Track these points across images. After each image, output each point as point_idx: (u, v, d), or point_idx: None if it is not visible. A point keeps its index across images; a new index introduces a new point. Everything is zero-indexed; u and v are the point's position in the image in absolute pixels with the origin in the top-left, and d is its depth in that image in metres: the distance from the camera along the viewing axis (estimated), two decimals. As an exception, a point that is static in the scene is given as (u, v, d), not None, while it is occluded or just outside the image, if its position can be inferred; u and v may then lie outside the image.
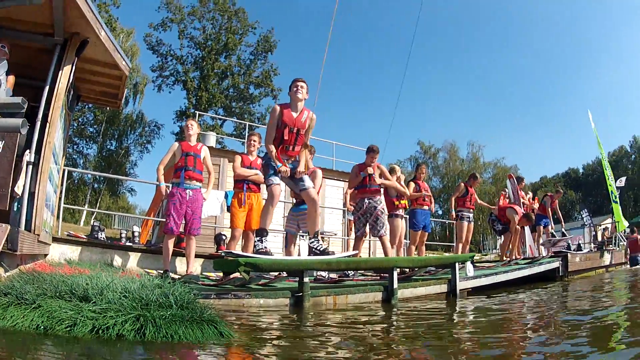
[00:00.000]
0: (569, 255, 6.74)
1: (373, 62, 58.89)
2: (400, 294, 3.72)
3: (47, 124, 3.29)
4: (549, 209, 8.28)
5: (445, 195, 31.89)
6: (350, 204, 4.94)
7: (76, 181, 23.70)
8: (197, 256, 4.60)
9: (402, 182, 5.51)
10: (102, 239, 5.09)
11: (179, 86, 25.76)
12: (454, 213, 6.48)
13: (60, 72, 3.43)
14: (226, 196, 4.91)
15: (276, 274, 3.99)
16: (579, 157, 67.92)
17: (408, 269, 4.41)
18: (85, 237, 4.86)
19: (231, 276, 3.78)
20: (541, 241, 7.93)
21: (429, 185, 6.30)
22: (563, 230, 9.32)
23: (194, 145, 4.25)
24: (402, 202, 5.33)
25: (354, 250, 4.65)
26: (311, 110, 3.58)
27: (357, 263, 3.88)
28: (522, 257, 7.13)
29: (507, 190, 7.95)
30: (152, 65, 25.84)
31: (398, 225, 5.28)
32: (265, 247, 3.38)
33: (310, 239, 3.61)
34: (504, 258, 7.10)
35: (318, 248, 3.54)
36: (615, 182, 13.36)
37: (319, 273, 4.02)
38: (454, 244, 7.03)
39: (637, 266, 9.46)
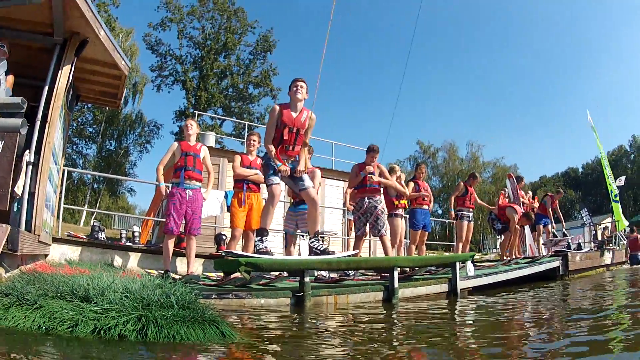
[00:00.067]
0: (569, 254, 6.75)
1: (373, 62, 58.95)
2: (401, 293, 3.72)
3: (47, 124, 3.29)
4: (549, 209, 8.29)
5: (444, 194, 31.90)
6: (350, 204, 4.94)
7: (76, 181, 23.67)
8: (197, 256, 4.60)
9: (402, 182, 5.52)
10: (102, 239, 5.08)
11: (178, 86, 25.81)
12: (453, 212, 6.49)
13: (59, 71, 3.44)
14: (226, 196, 4.91)
15: (277, 273, 3.99)
16: (578, 156, 67.95)
17: (408, 269, 4.42)
18: (85, 237, 4.86)
19: (232, 276, 3.77)
20: (542, 240, 7.94)
21: (428, 184, 6.30)
22: (564, 230, 9.34)
23: (193, 145, 4.24)
24: (402, 201, 5.34)
25: (354, 249, 4.65)
26: (310, 110, 3.58)
27: (358, 263, 3.88)
28: (522, 256, 7.13)
29: (506, 189, 7.96)
30: (152, 65, 25.94)
31: (398, 225, 5.29)
32: (266, 247, 3.38)
33: (310, 238, 3.61)
34: (504, 257, 7.10)
35: (318, 248, 3.54)
36: (615, 181, 13.40)
37: (319, 273, 4.02)
38: (454, 244, 7.04)
39: (638, 265, 9.47)
